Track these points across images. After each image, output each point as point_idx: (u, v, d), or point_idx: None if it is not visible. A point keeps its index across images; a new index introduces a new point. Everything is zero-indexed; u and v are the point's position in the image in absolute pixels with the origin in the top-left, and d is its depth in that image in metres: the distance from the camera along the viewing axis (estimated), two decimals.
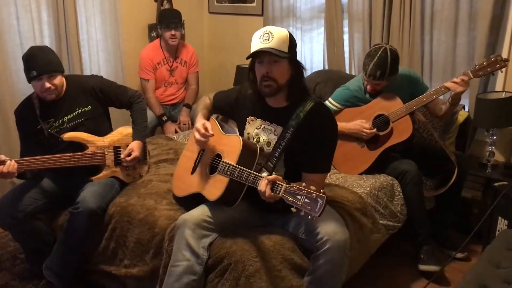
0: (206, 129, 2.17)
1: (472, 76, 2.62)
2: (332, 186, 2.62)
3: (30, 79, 2.39)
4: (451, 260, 2.76)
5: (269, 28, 2.01)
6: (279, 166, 2.11)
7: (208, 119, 2.35)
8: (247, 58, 2.05)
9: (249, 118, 2.20)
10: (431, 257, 2.66)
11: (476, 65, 2.62)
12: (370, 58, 2.69)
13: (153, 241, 2.24)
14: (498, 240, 2.18)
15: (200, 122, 2.23)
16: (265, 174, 2.05)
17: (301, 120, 2.04)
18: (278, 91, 2.05)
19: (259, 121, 2.17)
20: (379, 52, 2.67)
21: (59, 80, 2.44)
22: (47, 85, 2.38)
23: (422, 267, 2.66)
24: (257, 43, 2.00)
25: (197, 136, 2.18)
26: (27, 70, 2.37)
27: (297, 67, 2.06)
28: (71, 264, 2.44)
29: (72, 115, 2.52)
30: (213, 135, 2.17)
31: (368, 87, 2.79)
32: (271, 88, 2.03)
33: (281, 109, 2.11)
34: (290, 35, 2.02)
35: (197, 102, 2.45)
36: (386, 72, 2.66)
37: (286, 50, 1.98)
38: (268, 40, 1.97)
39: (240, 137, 2.11)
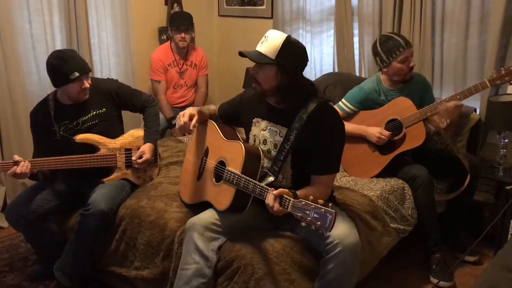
0: (189, 117, 2.19)
1: (489, 85, 2.58)
2: (343, 189, 2.61)
3: (68, 81, 2.38)
4: (461, 263, 2.74)
5: (270, 32, 2.00)
6: (286, 168, 2.10)
7: (206, 118, 2.36)
8: (239, 54, 2.03)
9: (255, 120, 2.19)
10: (443, 269, 2.63)
11: (494, 74, 2.58)
12: (389, 40, 2.71)
13: (163, 243, 2.25)
14: (510, 244, 2.15)
15: (187, 110, 2.23)
16: (270, 178, 2.05)
17: (304, 122, 2.02)
18: (263, 95, 2.06)
19: (264, 122, 2.16)
20: (386, 34, 2.82)
21: (90, 79, 2.49)
22: (87, 84, 2.44)
23: (434, 280, 2.63)
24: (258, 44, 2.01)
25: (179, 123, 2.20)
26: (66, 72, 2.36)
27: (290, 74, 1.99)
28: (81, 265, 2.46)
29: (87, 117, 2.54)
30: (191, 131, 2.21)
31: (412, 63, 2.71)
32: (255, 90, 2.06)
33: (284, 110, 2.09)
34: (289, 43, 1.95)
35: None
36: (406, 38, 2.79)
37: (273, 56, 1.94)
38: (262, 43, 1.98)
39: (241, 143, 2.10)
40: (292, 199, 1.80)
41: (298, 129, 2.03)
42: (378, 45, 2.77)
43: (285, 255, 2.02)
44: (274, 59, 1.95)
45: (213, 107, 2.43)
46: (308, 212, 1.74)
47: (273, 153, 2.11)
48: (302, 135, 2.03)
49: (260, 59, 1.96)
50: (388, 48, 2.71)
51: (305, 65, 2.05)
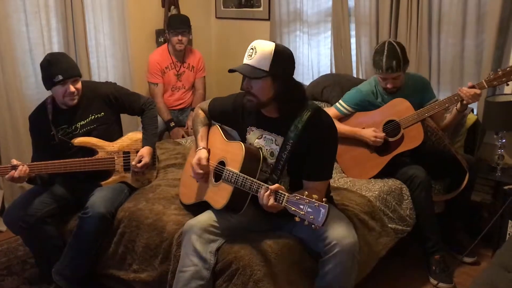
0: (199, 165, 2.18)
1: (486, 86, 2.59)
2: (341, 189, 2.61)
3: (52, 84, 2.39)
4: (460, 263, 2.74)
5: (256, 43, 1.97)
6: (283, 175, 2.11)
7: (208, 135, 2.36)
8: (229, 71, 2.02)
9: (249, 128, 2.19)
10: (443, 270, 2.63)
11: (491, 75, 2.59)
12: (379, 54, 2.67)
13: (162, 246, 2.24)
14: (508, 244, 2.16)
15: (196, 156, 2.21)
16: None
17: (299, 131, 2.02)
18: (260, 107, 2.04)
19: (258, 131, 2.15)
20: (386, 46, 2.67)
21: (80, 85, 2.47)
22: (72, 89, 2.41)
23: (434, 281, 2.63)
24: (244, 57, 1.99)
25: (193, 173, 2.21)
26: (50, 75, 2.37)
27: (285, 83, 1.99)
28: (80, 268, 2.45)
29: (85, 121, 2.54)
30: (204, 169, 2.17)
31: (389, 85, 2.73)
32: (251, 103, 2.02)
33: (278, 119, 2.09)
34: (279, 51, 1.94)
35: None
36: (400, 61, 2.64)
37: (267, 67, 1.93)
38: (251, 56, 1.95)
39: (242, 144, 2.11)
40: (286, 194, 1.82)
41: (294, 139, 2.03)
42: (373, 51, 2.78)
43: (283, 256, 2.02)
44: (268, 71, 1.94)
45: (202, 114, 2.42)
46: (302, 206, 1.75)
47: (270, 160, 2.11)
48: (298, 144, 2.03)
49: (254, 74, 1.94)
50: (373, 61, 2.73)
51: (294, 67, 2.05)
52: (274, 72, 1.94)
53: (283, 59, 1.97)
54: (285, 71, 1.99)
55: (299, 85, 2.10)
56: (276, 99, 2.01)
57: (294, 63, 2.03)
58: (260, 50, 1.94)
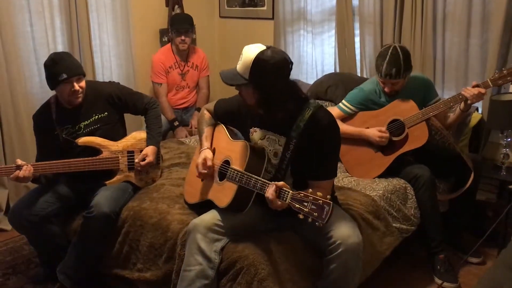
0: (204, 165, 2.18)
1: (491, 85, 2.58)
2: (345, 189, 2.61)
3: (57, 83, 2.40)
4: (465, 263, 2.74)
5: (245, 49, 1.96)
6: (287, 176, 2.11)
7: (212, 134, 2.36)
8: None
9: (252, 129, 2.19)
10: (448, 270, 2.62)
11: (496, 73, 2.58)
12: (382, 59, 2.66)
13: (166, 245, 2.25)
14: None
15: (201, 155, 2.21)
16: None
17: (301, 130, 2.02)
18: (251, 109, 2.08)
19: (262, 131, 2.16)
20: (390, 51, 2.64)
21: (84, 83, 2.48)
22: (77, 87, 2.42)
23: (439, 281, 2.61)
24: None
25: (198, 172, 2.21)
26: (55, 73, 2.38)
27: (268, 90, 1.94)
28: (84, 268, 2.46)
29: (89, 121, 2.54)
30: (208, 169, 2.17)
31: (386, 89, 2.74)
32: (245, 103, 2.08)
33: (280, 119, 2.08)
34: (260, 59, 1.89)
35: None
36: (401, 68, 2.61)
37: (247, 76, 1.93)
38: (239, 62, 1.98)
39: (247, 142, 2.11)
40: (290, 191, 1.82)
41: (297, 138, 2.02)
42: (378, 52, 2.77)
43: (288, 255, 2.03)
44: (248, 79, 1.94)
45: (208, 115, 2.42)
46: (306, 203, 1.76)
47: (274, 161, 2.11)
48: (300, 143, 2.03)
49: (231, 81, 1.98)
50: (375, 63, 2.72)
51: (285, 74, 1.97)
52: (254, 81, 1.94)
53: (264, 69, 1.90)
54: (266, 81, 1.92)
55: (292, 91, 2.03)
56: (260, 106, 2.02)
57: (281, 70, 1.94)
58: (244, 57, 1.95)
